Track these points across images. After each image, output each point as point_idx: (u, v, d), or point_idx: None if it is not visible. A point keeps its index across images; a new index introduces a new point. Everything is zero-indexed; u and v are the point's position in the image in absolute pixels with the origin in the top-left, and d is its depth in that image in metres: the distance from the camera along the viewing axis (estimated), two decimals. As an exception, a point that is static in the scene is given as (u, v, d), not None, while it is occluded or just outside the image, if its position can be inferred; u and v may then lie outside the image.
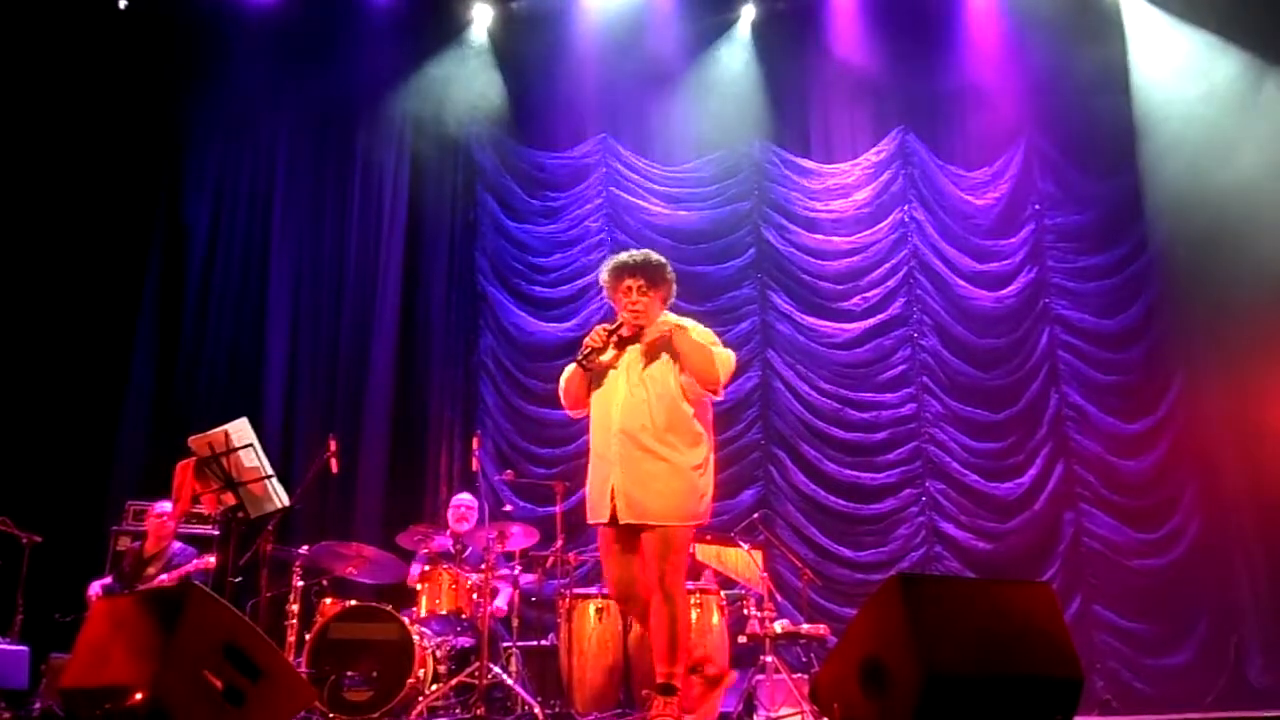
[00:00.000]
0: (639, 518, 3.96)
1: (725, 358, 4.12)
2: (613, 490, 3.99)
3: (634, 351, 4.15)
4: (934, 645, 3.03)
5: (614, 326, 4.14)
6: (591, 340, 4.11)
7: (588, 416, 4.22)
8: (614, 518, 3.99)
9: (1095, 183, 8.82)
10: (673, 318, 4.26)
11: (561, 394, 4.28)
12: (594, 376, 4.18)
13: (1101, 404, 8.41)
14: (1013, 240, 8.76)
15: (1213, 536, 8.01)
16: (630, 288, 4.16)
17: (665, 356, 4.14)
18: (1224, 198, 7.86)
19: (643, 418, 4.02)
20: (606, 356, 4.16)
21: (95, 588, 6.46)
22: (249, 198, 8.66)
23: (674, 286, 4.30)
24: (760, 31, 8.89)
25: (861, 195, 8.80)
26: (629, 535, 4.03)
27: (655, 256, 4.26)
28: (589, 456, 4.19)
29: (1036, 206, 8.80)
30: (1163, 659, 7.85)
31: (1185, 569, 8.00)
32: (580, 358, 4.12)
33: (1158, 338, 8.47)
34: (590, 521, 4.17)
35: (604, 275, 4.27)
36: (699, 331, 4.19)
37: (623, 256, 4.26)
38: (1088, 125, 8.82)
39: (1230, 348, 8.01)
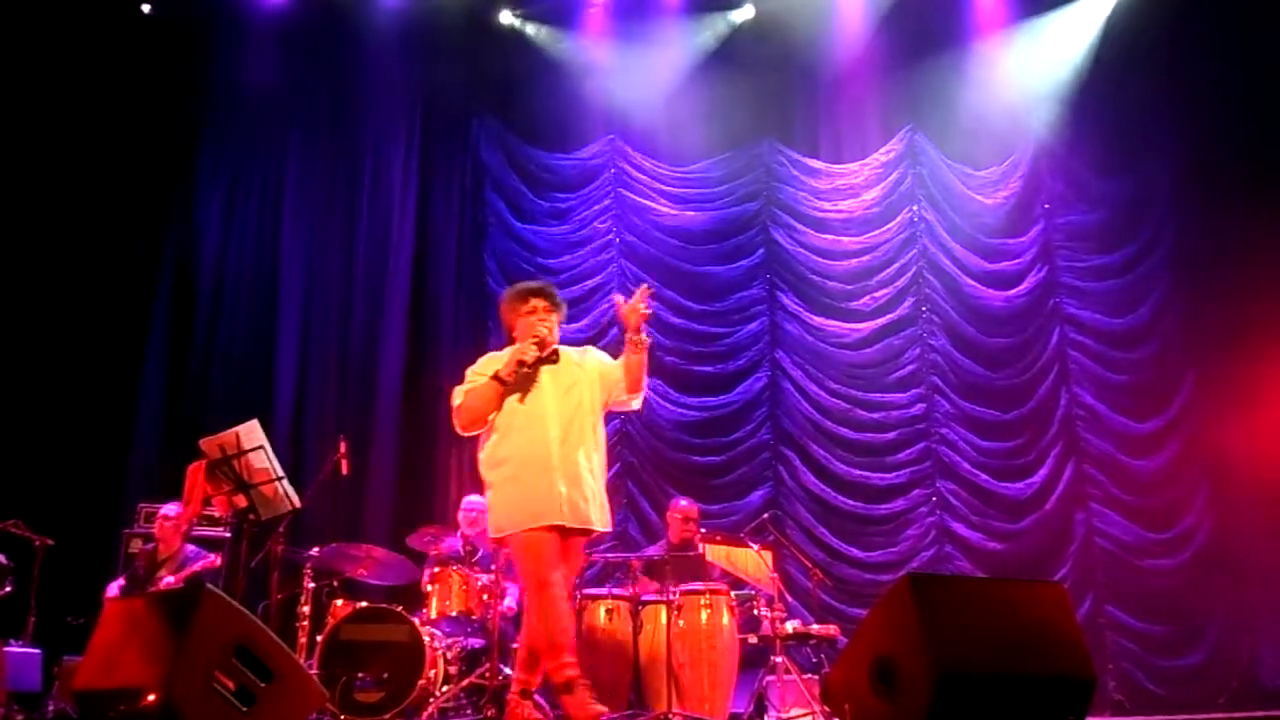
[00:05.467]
0: (583, 523, 4.18)
1: None
2: (564, 496, 4.13)
3: (552, 369, 4.33)
4: (946, 645, 3.02)
5: (537, 340, 4.29)
6: (527, 352, 4.25)
7: (489, 431, 4.30)
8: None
9: (1105, 181, 8.79)
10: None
11: (464, 411, 4.29)
12: (506, 393, 4.26)
13: (1112, 403, 8.38)
14: (1022, 239, 8.74)
15: (1225, 536, 7.98)
16: (536, 308, 4.40)
17: (585, 375, 4.38)
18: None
19: (580, 431, 4.27)
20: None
21: (113, 589, 6.47)
22: (260, 199, 8.70)
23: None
24: (767, 31, 8.86)
25: (870, 195, 8.78)
26: (562, 542, 4.17)
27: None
28: (507, 466, 4.22)
29: (1046, 205, 8.78)
30: (1175, 659, 7.81)
31: (1197, 569, 7.96)
32: (526, 366, 4.23)
33: (1168, 337, 8.45)
34: (534, 526, 4.12)
35: (507, 299, 4.54)
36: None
37: (526, 283, 4.61)
38: (1097, 123, 8.80)
39: (1241, 345, 8.00)
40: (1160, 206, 8.67)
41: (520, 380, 4.26)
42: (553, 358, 4.33)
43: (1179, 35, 8.45)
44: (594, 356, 4.52)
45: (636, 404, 4.50)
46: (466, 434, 4.37)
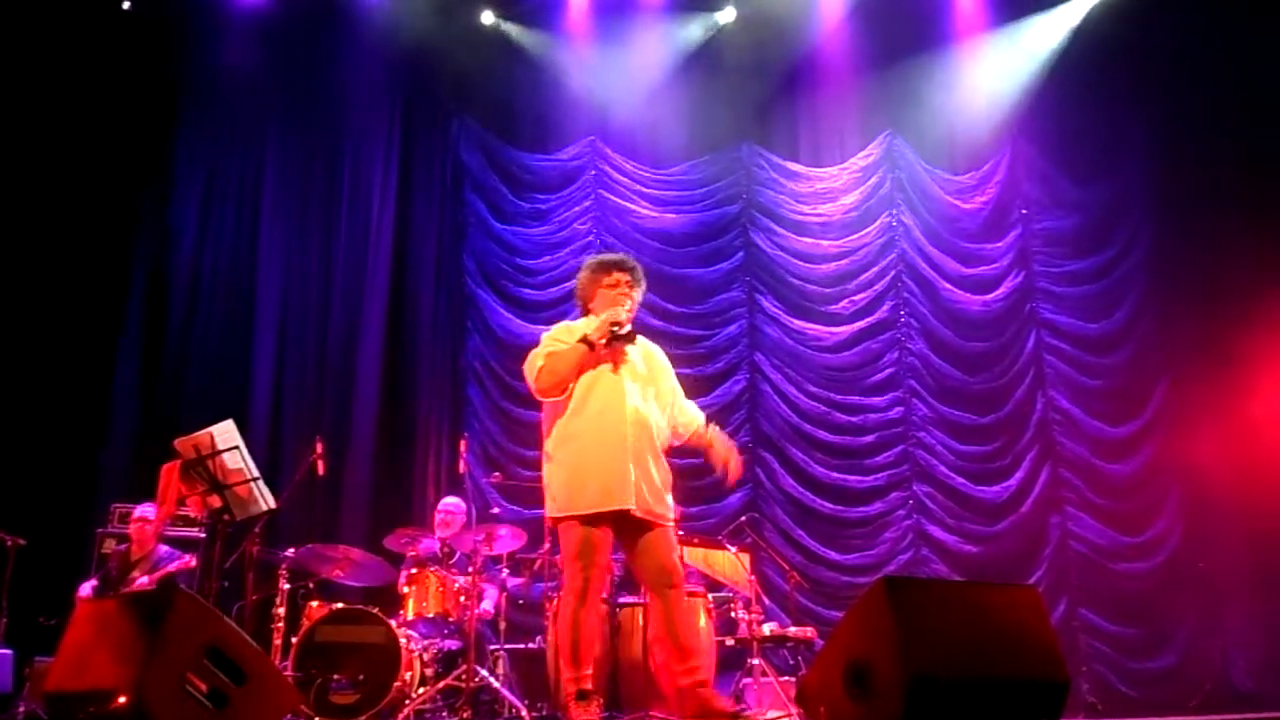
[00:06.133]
0: (648, 512, 3.96)
1: None
2: (632, 482, 3.91)
3: (632, 350, 4.15)
4: (920, 648, 3.03)
5: (626, 309, 4.14)
6: (619, 315, 4.08)
7: (563, 402, 4.08)
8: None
9: (1081, 188, 8.87)
10: None
11: (546, 373, 4.04)
12: (589, 362, 4.06)
13: (1087, 408, 8.45)
14: (999, 244, 8.81)
15: (1197, 540, 8.05)
16: (618, 281, 4.22)
17: (662, 371, 4.23)
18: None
19: (653, 416, 4.08)
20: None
21: (85, 589, 6.42)
22: (237, 198, 8.65)
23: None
24: (748, 34, 8.87)
25: (849, 199, 8.82)
26: (619, 530, 3.99)
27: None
28: (577, 441, 4.01)
29: (1023, 211, 8.85)
30: (1148, 662, 7.88)
31: (1170, 572, 8.04)
32: (613, 335, 4.04)
33: (1143, 342, 8.53)
34: (599, 509, 3.89)
35: (588, 270, 4.31)
36: None
37: (608, 255, 4.38)
38: (1073, 129, 8.87)
39: (1215, 351, 8.07)
40: (1135, 212, 8.76)
41: (600, 354, 4.06)
42: (631, 337, 4.13)
43: (1153, 41, 8.53)
44: (668, 362, 4.33)
45: (677, 443, 4.31)
46: (547, 399, 4.08)
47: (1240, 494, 7.94)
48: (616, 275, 4.22)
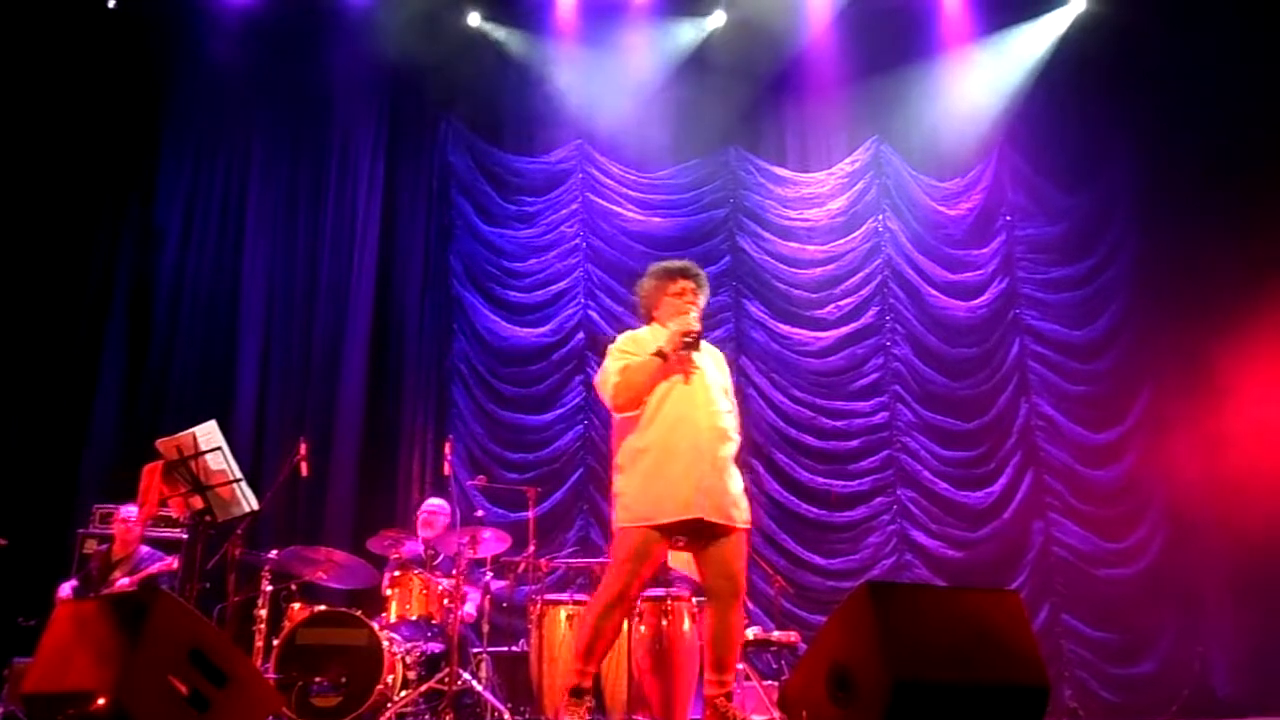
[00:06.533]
0: (725, 518, 3.92)
1: None
2: (707, 489, 3.88)
3: (698, 357, 4.11)
4: (902, 653, 3.04)
5: (693, 316, 4.12)
6: (690, 324, 4.06)
7: (636, 416, 4.03)
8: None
9: (1065, 195, 8.92)
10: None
11: (623, 388, 4.00)
12: (660, 375, 4.02)
13: (1070, 414, 8.49)
14: (984, 251, 8.84)
15: (1179, 546, 8.09)
16: (684, 289, 4.20)
17: (723, 377, 4.22)
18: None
19: (727, 421, 4.06)
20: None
21: (65, 589, 6.38)
22: (222, 198, 8.61)
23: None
24: (736, 39, 8.88)
25: (836, 204, 8.84)
26: (692, 538, 3.96)
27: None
28: (652, 452, 3.95)
29: (1008, 218, 8.89)
30: (1129, 668, 7.92)
31: (1152, 578, 8.08)
32: (685, 344, 4.01)
33: (1126, 349, 8.57)
34: (675, 518, 3.86)
35: (652, 277, 4.29)
36: None
37: (671, 262, 4.32)
38: (1058, 138, 8.92)
39: (1197, 358, 8.12)
40: (1119, 220, 8.81)
41: (672, 363, 4.02)
42: (697, 344, 4.08)
43: (1138, 50, 8.58)
44: (726, 367, 4.30)
45: None
46: (625, 414, 4.03)
47: (1220, 501, 7.97)
48: (682, 283, 4.21)
